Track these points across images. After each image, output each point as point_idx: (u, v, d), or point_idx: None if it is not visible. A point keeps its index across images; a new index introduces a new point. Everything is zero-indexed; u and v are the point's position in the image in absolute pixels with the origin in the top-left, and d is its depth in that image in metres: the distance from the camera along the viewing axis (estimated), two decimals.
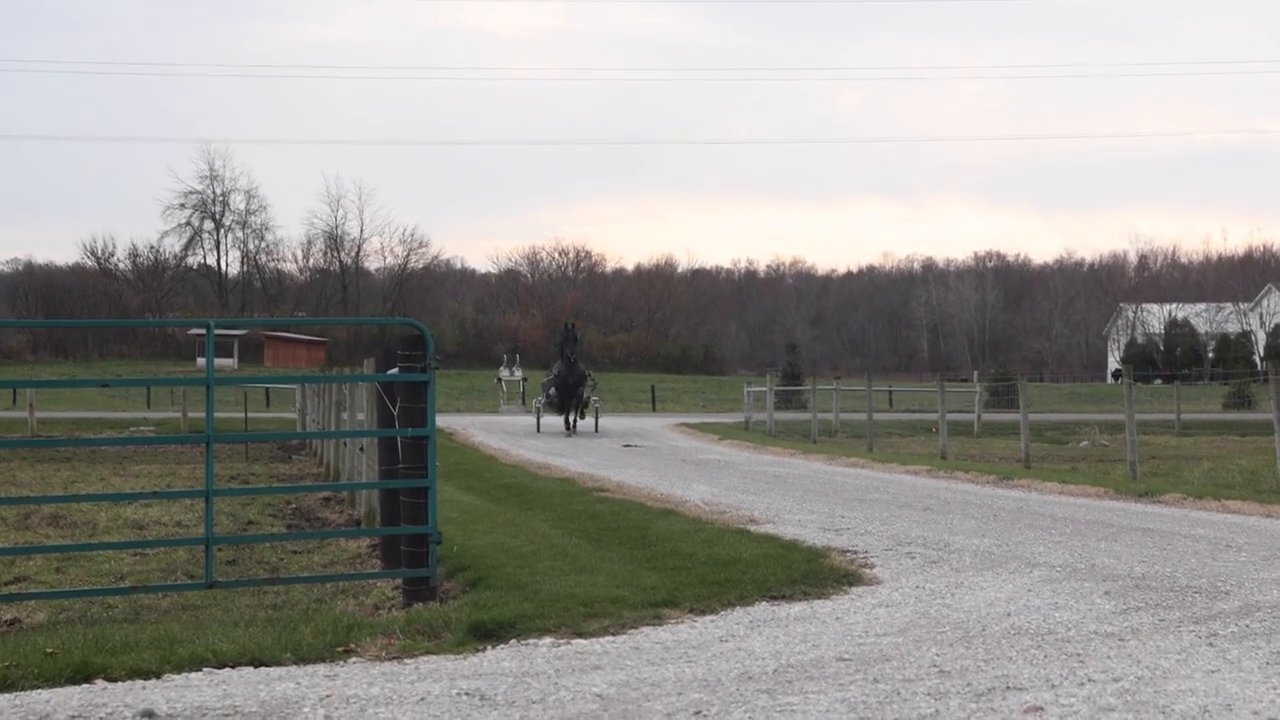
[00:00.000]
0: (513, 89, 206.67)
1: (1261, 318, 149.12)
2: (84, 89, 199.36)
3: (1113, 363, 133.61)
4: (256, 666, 10.41)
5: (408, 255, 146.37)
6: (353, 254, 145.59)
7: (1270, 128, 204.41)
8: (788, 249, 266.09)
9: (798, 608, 12.93)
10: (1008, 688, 9.26)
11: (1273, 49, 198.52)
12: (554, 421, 55.54)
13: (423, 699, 9.12)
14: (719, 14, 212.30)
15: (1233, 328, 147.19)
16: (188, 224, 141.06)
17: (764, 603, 13.17)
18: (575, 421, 54.70)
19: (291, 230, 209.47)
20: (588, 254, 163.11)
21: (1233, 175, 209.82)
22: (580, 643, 11.25)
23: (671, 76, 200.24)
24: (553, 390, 55.85)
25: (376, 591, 15.39)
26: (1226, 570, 15.17)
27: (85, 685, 9.87)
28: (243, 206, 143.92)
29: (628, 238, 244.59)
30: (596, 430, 55.14)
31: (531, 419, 59.89)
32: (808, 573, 14.86)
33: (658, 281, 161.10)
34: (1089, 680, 9.47)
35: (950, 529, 19.81)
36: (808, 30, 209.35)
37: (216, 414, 14.29)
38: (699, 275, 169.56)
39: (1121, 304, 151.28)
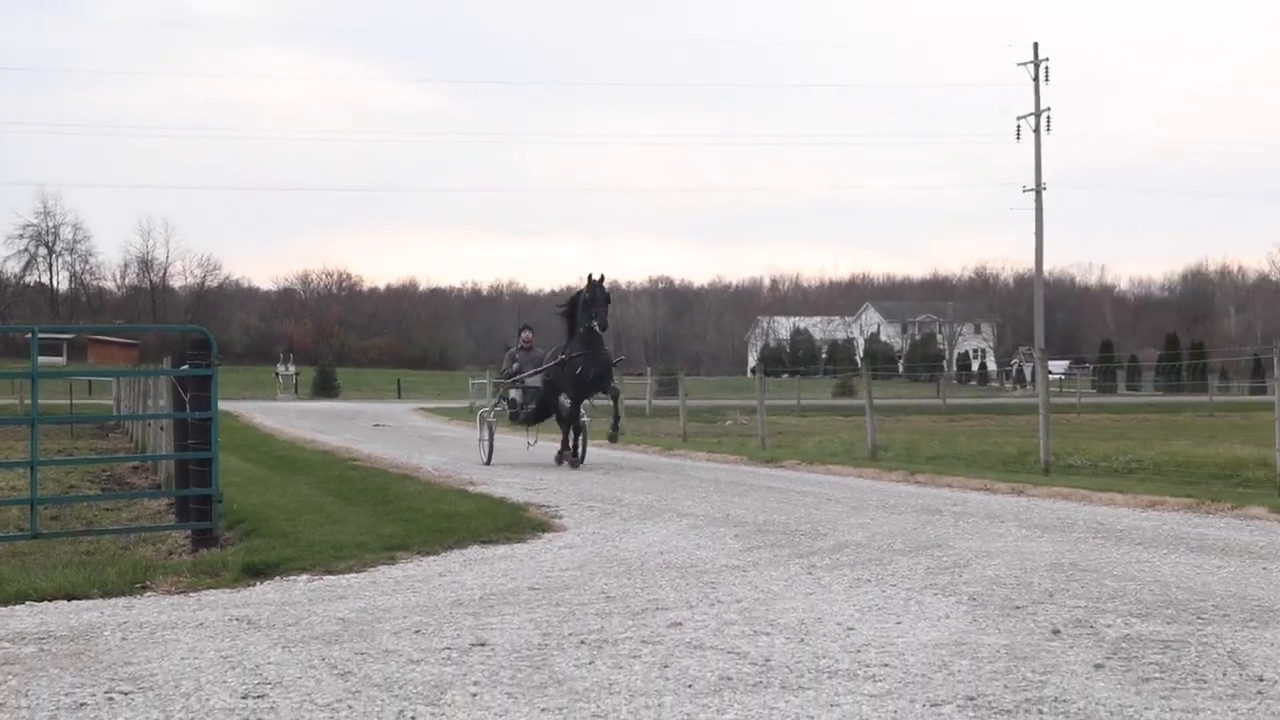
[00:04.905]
0: (286, 146, 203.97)
1: (860, 328, 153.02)
2: None
3: (751, 361, 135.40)
4: (70, 600, 10.17)
5: (204, 276, 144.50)
6: (160, 275, 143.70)
7: (865, 184, 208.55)
8: (505, 273, 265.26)
9: (501, 549, 12.93)
10: (657, 608, 9.36)
11: (861, 123, 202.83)
12: (510, 447, 27.34)
13: (201, 624, 8.99)
14: (454, 91, 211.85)
15: (840, 335, 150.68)
16: (25, 250, 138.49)
17: (476, 546, 13.14)
18: (583, 445, 24.92)
19: (111, 255, 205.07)
20: (348, 275, 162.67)
21: (840, 219, 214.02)
22: (330, 579, 11.16)
23: (415, 138, 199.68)
24: (558, 391, 25.47)
25: (171, 540, 15.11)
26: (826, 518, 15.46)
27: None
28: (70, 236, 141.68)
29: (380, 262, 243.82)
30: (581, 461, 24.76)
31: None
32: (511, 523, 14.87)
33: (403, 298, 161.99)
34: (718, 601, 9.60)
35: (622, 488, 19.94)
36: (529, 107, 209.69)
37: (50, 401, 14.02)
38: (436, 293, 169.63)
39: (759, 316, 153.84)
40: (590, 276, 24.80)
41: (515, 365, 27.08)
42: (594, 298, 24.58)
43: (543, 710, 6.56)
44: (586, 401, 25.59)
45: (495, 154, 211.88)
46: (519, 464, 25.17)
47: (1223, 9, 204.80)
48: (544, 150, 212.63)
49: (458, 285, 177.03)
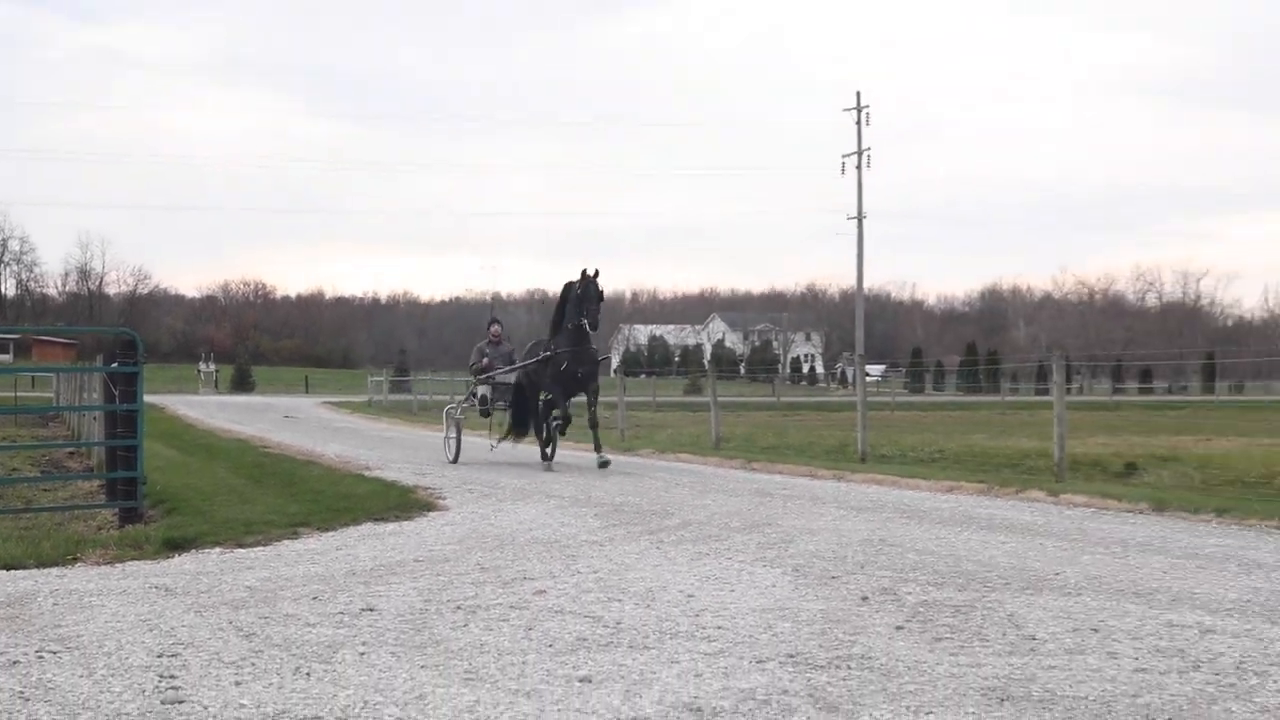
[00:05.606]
0: (211, 170, 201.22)
1: (708, 335, 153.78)
2: None
3: (614, 363, 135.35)
4: (8, 570, 9.94)
5: (136, 284, 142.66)
6: (97, 283, 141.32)
7: (714, 210, 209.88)
8: (401, 284, 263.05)
9: (392, 526, 12.84)
10: (525, 578, 9.33)
11: (712, 157, 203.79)
12: (474, 445, 23.38)
13: (125, 591, 8.83)
14: (360, 122, 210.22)
15: (691, 341, 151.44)
16: None
17: (370, 523, 13.03)
18: (553, 448, 21.78)
19: (53, 266, 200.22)
20: (264, 284, 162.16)
21: (692, 240, 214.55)
22: (240, 551, 11.00)
23: (325, 164, 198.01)
24: (536, 389, 22.03)
25: (101, 517, 14.77)
26: (674, 499, 15.49)
27: None
28: (18, 249, 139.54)
29: (292, 273, 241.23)
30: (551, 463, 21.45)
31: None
32: (401, 503, 14.75)
33: (312, 305, 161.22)
34: (578, 572, 9.59)
35: (499, 473, 19.86)
36: (426, 137, 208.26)
37: None
38: (341, 301, 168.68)
39: (621, 324, 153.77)
40: (585, 272, 20.79)
41: (485, 360, 23.28)
42: (586, 294, 20.78)
43: (421, 667, 6.53)
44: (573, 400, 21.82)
45: (395, 178, 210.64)
46: (485, 463, 21.88)
47: (1018, 64, 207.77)
48: (437, 175, 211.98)
49: (360, 294, 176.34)
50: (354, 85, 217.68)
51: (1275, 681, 6.09)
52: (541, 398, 21.93)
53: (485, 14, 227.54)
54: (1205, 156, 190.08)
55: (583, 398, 21.95)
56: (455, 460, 22.16)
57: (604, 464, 20.26)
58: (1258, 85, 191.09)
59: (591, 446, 21.21)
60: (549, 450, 21.70)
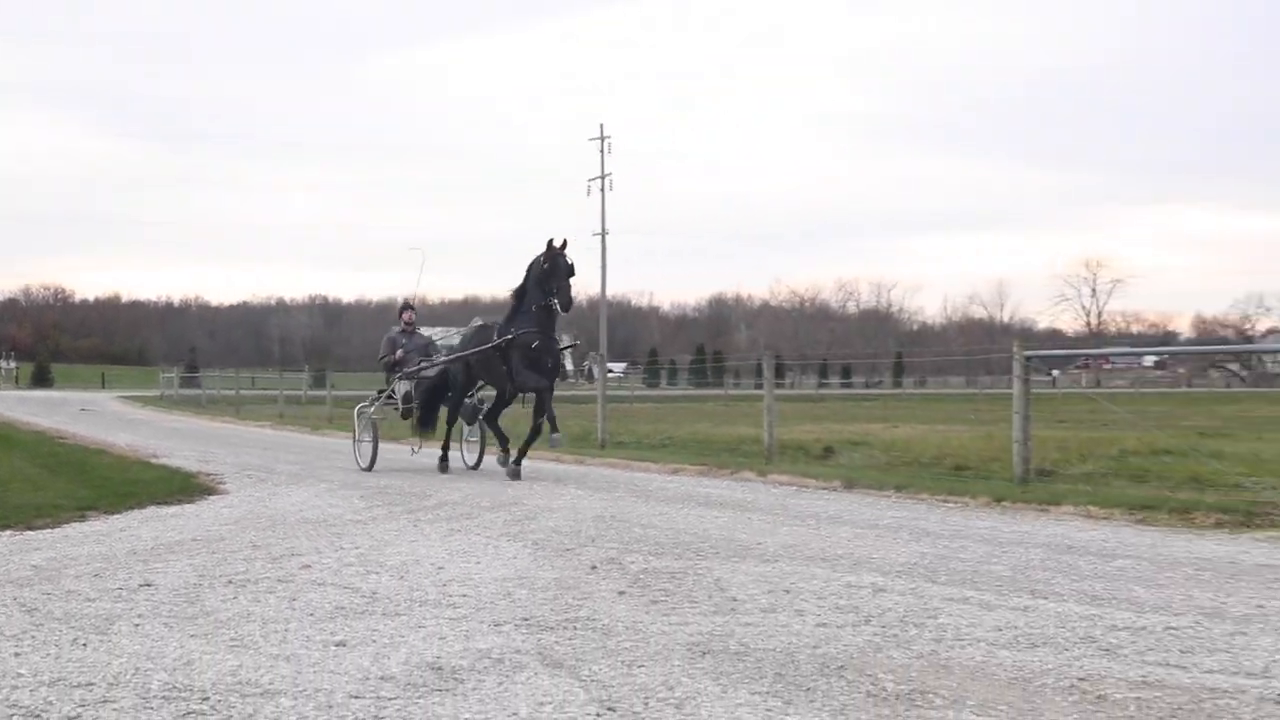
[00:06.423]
0: (15, 184, 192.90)
1: None
2: None
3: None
4: None
5: None
6: None
7: (476, 226, 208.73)
8: (192, 288, 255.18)
9: (174, 509, 12.46)
10: (293, 554, 9.15)
11: (475, 178, 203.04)
12: (394, 454, 19.82)
13: None
14: (157, 141, 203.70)
15: (455, 342, 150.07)
16: None
17: (153, 506, 12.62)
18: (481, 449, 17.65)
19: None
20: (63, 288, 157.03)
21: (456, 252, 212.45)
22: (29, 534, 10.53)
23: (122, 179, 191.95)
24: (486, 380, 17.15)
25: None
26: (432, 482, 15.36)
27: None
28: None
29: (90, 278, 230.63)
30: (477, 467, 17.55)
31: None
32: (184, 488, 14.35)
33: (108, 307, 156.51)
34: (341, 548, 9.45)
35: (277, 460, 19.49)
36: (215, 155, 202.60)
37: None
38: (136, 304, 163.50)
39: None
40: (551, 243, 15.62)
41: (400, 351, 18.26)
42: (554, 269, 15.56)
43: (191, 636, 6.35)
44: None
45: (188, 192, 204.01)
46: (404, 470, 17.56)
47: (744, 101, 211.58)
48: (225, 190, 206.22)
49: (153, 298, 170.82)
50: (158, 109, 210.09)
51: (930, 632, 6.33)
52: (463, 396, 17.50)
53: (272, 45, 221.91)
54: (898, 185, 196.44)
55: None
56: (370, 468, 17.24)
57: (553, 444, 16.02)
58: (944, 127, 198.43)
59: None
60: (479, 456, 17.57)
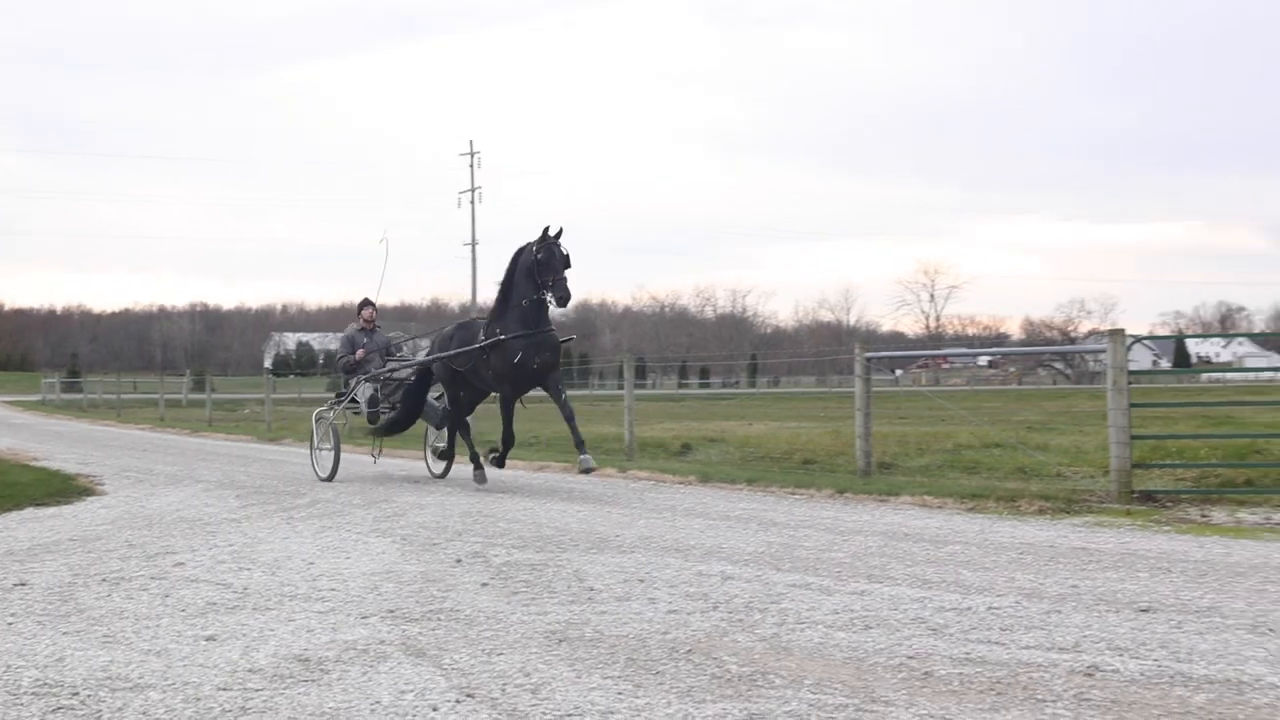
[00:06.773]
0: None
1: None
2: None
3: (266, 364, 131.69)
4: None
5: None
6: None
7: (352, 236, 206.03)
8: (75, 296, 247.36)
9: (52, 510, 12.12)
10: (168, 552, 8.96)
11: (355, 189, 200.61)
12: (354, 465, 17.65)
13: None
14: (39, 156, 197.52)
15: (333, 346, 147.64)
16: None
17: (31, 508, 12.28)
18: (448, 459, 15.47)
19: None
20: None
21: (332, 261, 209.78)
22: None
23: (4, 192, 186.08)
24: (473, 385, 14.68)
25: None
26: (305, 481, 15.15)
27: None
28: None
29: None
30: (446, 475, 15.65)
31: None
32: (63, 489, 13.96)
33: None
34: (216, 546, 9.27)
35: (155, 461, 19.04)
36: (97, 171, 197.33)
37: None
38: (19, 312, 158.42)
39: (272, 332, 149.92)
40: (546, 231, 13.51)
41: (360, 351, 16.23)
42: (549, 259, 13.36)
43: (64, 633, 6.18)
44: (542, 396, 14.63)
45: (70, 205, 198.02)
46: (364, 479, 15.53)
47: (609, 117, 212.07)
48: (106, 203, 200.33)
49: (37, 306, 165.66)
50: (36, 125, 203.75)
51: (773, 616, 6.41)
52: (434, 397, 15.83)
53: (158, 58, 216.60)
54: (752, 197, 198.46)
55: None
56: (331, 478, 15.13)
57: (587, 470, 13.61)
58: (801, 141, 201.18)
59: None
60: (448, 464, 15.63)
